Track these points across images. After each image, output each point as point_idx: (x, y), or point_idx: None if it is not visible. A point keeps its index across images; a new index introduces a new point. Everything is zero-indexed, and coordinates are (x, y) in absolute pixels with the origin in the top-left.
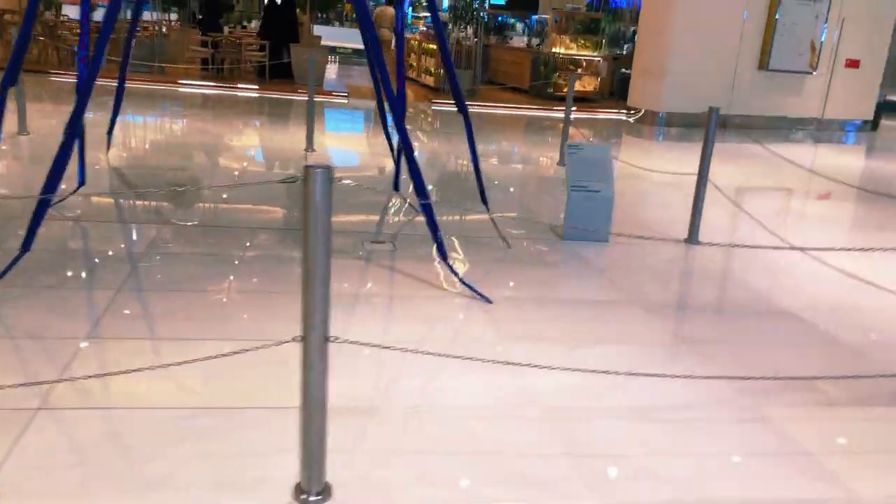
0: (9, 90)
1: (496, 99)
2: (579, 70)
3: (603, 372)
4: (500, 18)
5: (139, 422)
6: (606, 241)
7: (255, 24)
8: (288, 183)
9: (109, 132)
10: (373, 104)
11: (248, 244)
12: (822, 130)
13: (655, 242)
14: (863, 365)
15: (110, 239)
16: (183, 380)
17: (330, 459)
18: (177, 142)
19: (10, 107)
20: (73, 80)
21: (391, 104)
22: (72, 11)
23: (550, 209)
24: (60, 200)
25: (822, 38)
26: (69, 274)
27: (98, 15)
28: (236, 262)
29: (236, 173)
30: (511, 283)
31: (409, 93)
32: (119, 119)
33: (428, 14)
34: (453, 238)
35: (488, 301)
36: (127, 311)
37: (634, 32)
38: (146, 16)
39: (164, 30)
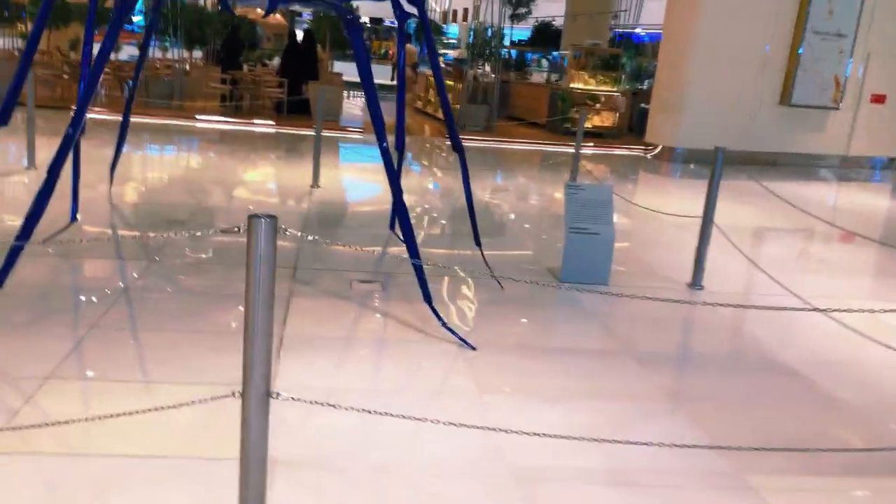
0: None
1: (513, 134)
2: (597, 105)
3: (567, 438)
4: (515, 54)
5: (76, 470)
6: (606, 284)
7: (276, 62)
8: (230, 233)
9: (112, 168)
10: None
11: (227, 284)
12: (847, 168)
13: (657, 287)
14: (859, 431)
15: (89, 277)
16: (127, 425)
17: None
18: (183, 178)
19: (20, 141)
20: (93, 114)
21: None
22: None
23: (552, 249)
24: (49, 238)
25: (847, 73)
26: (37, 313)
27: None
28: (210, 302)
29: (230, 209)
30: (499, 329)
31: (426, 127)
32: (131, 154)
33: (446, 51)
34: (447, 278)
35: (472, 348)
36: (89, 353)
37: (656, 67)
38: (171, 54)
39: (186, 67)
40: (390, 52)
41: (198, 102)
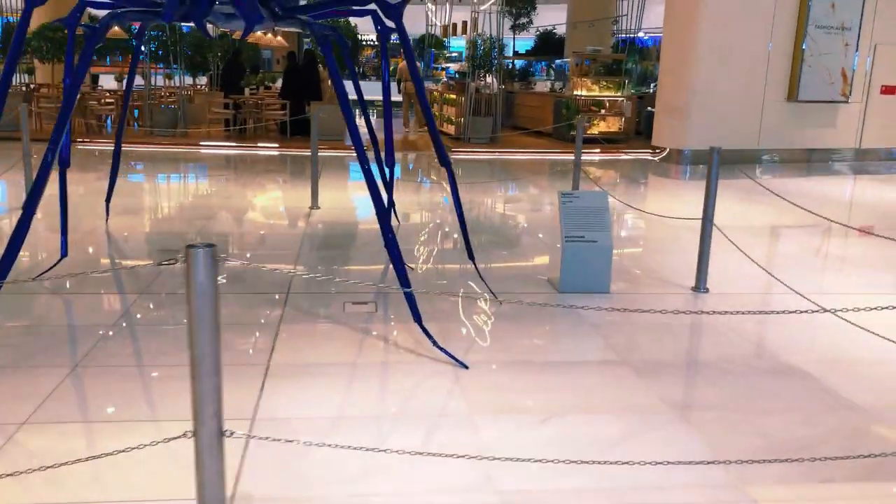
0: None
1: (518, 144)
2: (602, 111)
3: (554, 461)
4: (518, 64)
5: None
6: (607, 292)
7: (279, 84)
8: (167, 265)
9: (108, 199)
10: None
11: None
12: (860, 161)
13: (660, 293)
14: (869, 435)
15: (73, 314)
16: (92, 469)
17: None
18: (183, 205)
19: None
20: (98, 146)
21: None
22: (105, 82)
23: (553, 259)
24: (39, 275)
25: (854, 66)
26: (14, 351)
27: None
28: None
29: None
30: (493, 344)
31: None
32: (133, 183)
33: (448, 65)
34: (442, 294)
35: (464, 366)
36: (65, 394)
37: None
38: (175, 81)
39: (190, 94)
40: (399, 65)
41: (202, 128)
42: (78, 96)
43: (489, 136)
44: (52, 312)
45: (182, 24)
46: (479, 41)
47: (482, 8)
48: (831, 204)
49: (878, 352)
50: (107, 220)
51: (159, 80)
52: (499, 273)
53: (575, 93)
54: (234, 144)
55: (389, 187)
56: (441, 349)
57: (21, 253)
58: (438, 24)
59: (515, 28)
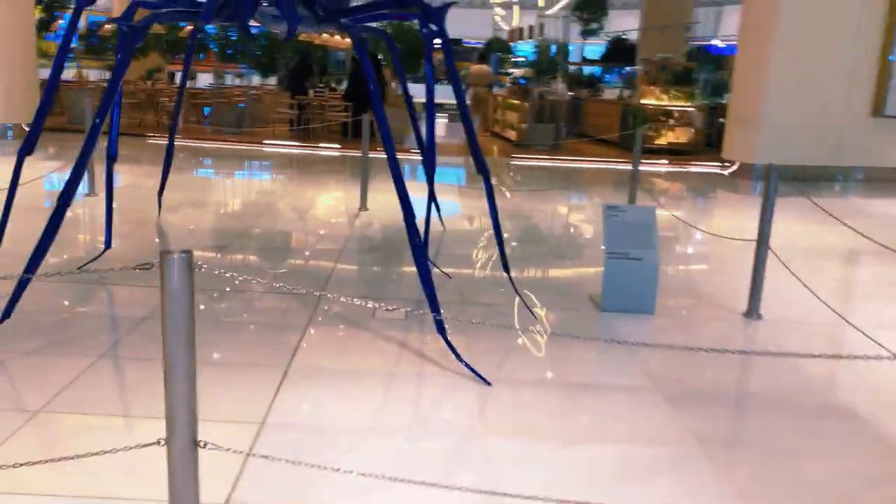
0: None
1: (583, 152)
2: (670, 121)
3: (545, 500)
4: (586, 70)
5: None
6: (651, 313)
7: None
8: (143, 270)
9: (160, 193)
10: (451, 160)
11: (245, 313)
12: None
13: (708, 317)
14: None
15: (110, 305)
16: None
17: None
18: (239, 201)
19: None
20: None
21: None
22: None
23: (597, 275)
24: (82, 267)
25: None
26: (46, 339)
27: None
28: (217, 331)
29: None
30: (521, 362)
31: (494, 147)
32: (193, 179)
33: (514, 70)
34: (479, 306)
35: (487, 383)
36: (81, 385)
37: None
38: (244, 81)
39: (258, 94)
40: (471, 70)
41: (267, 127)
42: (119, 91)
43: (551, 143)
44: (86, 303)
45: (223, 23)
46: (541, 47)
47: (549, 13)
48: None
49: None
50: (159, 213)
51: (230, 81)
52: (540, 285)
53: (642, 101)
54: (296, 144)
55: (430, 189)
56: (465, 364)
57: (71, 242)
58: (506, 27)
59: (586, 33)
